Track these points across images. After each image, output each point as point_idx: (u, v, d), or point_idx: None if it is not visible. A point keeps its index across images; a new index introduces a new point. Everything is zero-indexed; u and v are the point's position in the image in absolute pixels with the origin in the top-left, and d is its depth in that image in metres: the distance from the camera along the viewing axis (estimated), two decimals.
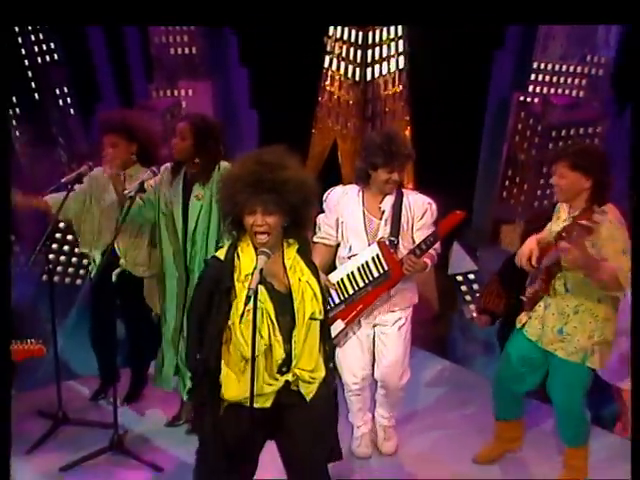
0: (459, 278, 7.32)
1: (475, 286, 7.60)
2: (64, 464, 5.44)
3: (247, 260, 3.80)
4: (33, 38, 8.89)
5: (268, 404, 3.88)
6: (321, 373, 4.00)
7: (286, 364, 3.88)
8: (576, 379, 5.09)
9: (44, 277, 6.95)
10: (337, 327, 5.16)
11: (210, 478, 4.13)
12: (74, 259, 6.78)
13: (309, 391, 3.96)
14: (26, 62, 8.92)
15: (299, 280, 3.86)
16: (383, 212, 5.15)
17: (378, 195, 5.16)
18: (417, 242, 5.13)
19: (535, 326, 5.09)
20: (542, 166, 8.46)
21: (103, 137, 5.92)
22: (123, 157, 5.80)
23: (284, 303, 3.84)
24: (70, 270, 6.92)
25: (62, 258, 7.30)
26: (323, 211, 5.32)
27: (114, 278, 5.72)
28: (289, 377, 3.88)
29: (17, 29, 8.83)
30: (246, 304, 3.71)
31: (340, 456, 4.28)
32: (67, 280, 7.29)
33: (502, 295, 6.30)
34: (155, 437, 5.80)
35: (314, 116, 9.49)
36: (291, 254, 3.91)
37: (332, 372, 4.14)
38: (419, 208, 5.18)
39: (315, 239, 5.36)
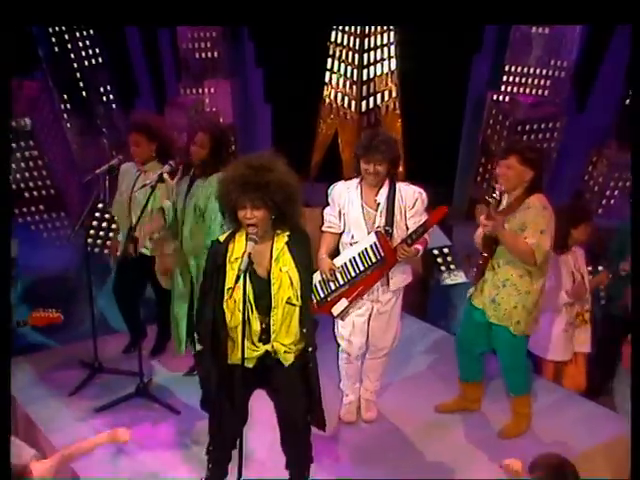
0: (435, 252, 7.33)
1: (449, 258, 7.65)
2: (99, 406, 5.57)
3: (239, 245, 3.96)
4: (81, 44, 8.89)
5: (251, 365, 4.06)
6: (299, 346, 4.11)
7: (265, 336, 4.04)
8: (510, 341, 5.16)
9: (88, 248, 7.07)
10: (342, 304, 5.20)
11: (217, 423, 4.30)
12: (111, 233, 6.89)
13: (287, 359, 4.11)
14: (75, 65, 8.90)
15: (280, 270, 3.96)
16: (378, 204, 5.10)
17: (374, 188, 5.11)
18: (410, 229, 5.09)
19: (478, 296, 5.16)
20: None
21: (128, 136, 5.99)
22: (145, 154, 5.86)
23: (263, 287, 3.97)
24: (108, 242, 7.08)
25: (101, 233, 7.45)
26: (328, 204, 5.32)
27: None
28: (268, 347, 4.06)
29: (67, 37, 8.92)
30: (236, 282, 3.90)
31: (323, 426, 4.40)
32: (106, 250, 7.43)
33: None
34: (174, 385, 5.87)
35: (319, 110, 9.44)
36: (280, 245, 4.01)
37: (311, 348, 4.18)
38: (410, 198, 5.14)
39: (323, 228, 5.34)
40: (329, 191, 5.32)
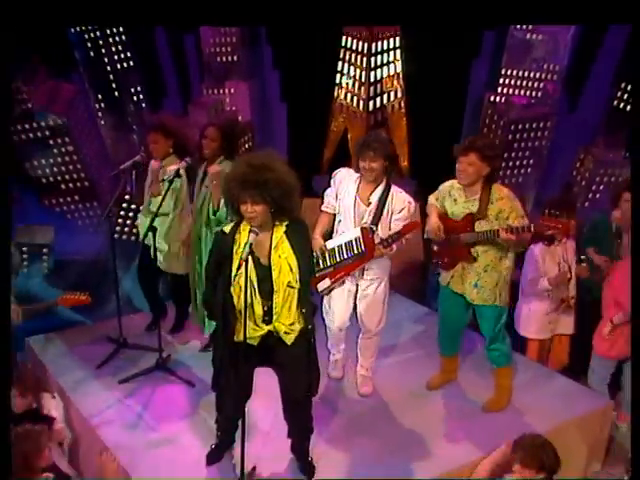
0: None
1: None
2: (122, 378, 5.61)
3: (244, 235, 4.03)
4: (114, 49, 8.94)
5: (255, 343, 4.15)
6: (299, 326, 4.19)
7: (267, 317, 4.12)
8: (494, 315, 5.19)
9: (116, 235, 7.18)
10: (325, 283, 5.28)
11: (226, 396, 4.43)
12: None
13: (288, 338, 4.19)
14: (108, 68, 8.98)
15: (279, 257, 4.04)
16: (370, 203, 5.15)
17: (371, 186, 5.14)
18: (391, 230, 5.14)
19: (458, 282, 5.18)
20: (502, 153, 8.44)
21: (147, 136, 6.05)
22: (163, 151, 5.91)
23: (265, 273, 4.04)
24: (134, 230, 7.17)
25: (128, 222, 7.54)
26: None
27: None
28: (270, 327, 4.14)
29: (102, 42, 8.99)
30: (238, 269, 3.99)
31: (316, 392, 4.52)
32: (132, 238, 7.53)
33: None
34: (190, 360, 5.91)
35: (330, 109, 9.44)
36: (278, 234, 4.08)
37: (310, 326, 4.26)
38: (400, 204, 5.17)
39: (322, 208, 5.40)
40: (333, 174, 5.36)
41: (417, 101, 9.39)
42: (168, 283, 6.47)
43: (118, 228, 6.81)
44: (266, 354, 4.31)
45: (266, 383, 4.50)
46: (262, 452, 4.75)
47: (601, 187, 8.28)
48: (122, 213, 7.57)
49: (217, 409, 4.59)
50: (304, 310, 4.18)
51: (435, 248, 5.29)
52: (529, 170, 8.61)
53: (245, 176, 3.92)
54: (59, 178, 8.38)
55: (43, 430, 4.39)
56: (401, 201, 5.18)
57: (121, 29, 9.02)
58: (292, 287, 4.10)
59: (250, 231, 3.98)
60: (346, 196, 5.22)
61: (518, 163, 8.56)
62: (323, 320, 5.60)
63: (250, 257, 3.92)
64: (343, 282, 5.33)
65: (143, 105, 9.18)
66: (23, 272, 7.41)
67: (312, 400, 4.51)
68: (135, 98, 9.14)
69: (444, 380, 5.69)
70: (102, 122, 9.08)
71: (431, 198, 5.30)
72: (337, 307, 5.40)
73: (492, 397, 5.44)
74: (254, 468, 4.56)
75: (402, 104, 9.47)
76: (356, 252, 5.16)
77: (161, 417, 5.21)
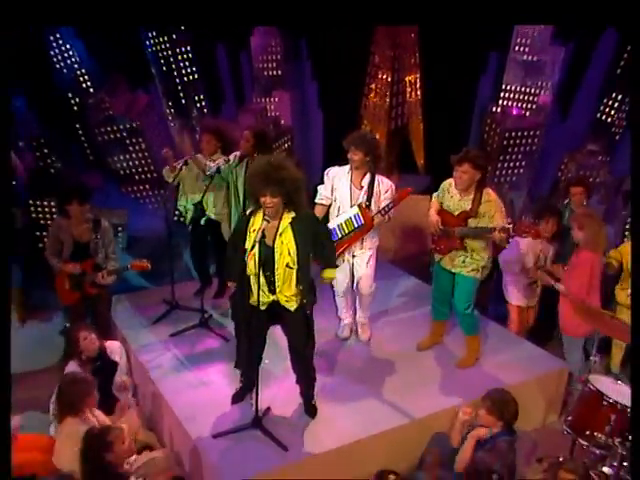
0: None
1: None
2: (172, 332, 5.88)
3: (257, 220, 4.30)
4: (182, 64, 8.99)
5: (264, 307, 4.40)
6: (297, 298, 4.39)
7: (272, 288, 4.35)
8: (469, 288, 5.35)
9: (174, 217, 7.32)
10: None
11: (242, 346, 4.70)
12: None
13: (290, 306, 4.42)
14: (177, 80, 9.09)
15: (282, 243, 4.26)
16: (362, 186, 5.38)
17: (360, 175, 5.38)
18: (382, 206, 5.39)
19: (447, 261, 5.34)
20: (498, 156, 8.41)
21: (201, 136, 6.32)
22: (211, 148, 6.13)
23: (269, 253, 4.27)
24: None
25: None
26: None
27: (203, 222, 6.09)
28: (274, 297, 4.39)
29: (172, 59, 9.14)
30: (253, 247, 4.24)
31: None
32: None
33: None
34: (227, 320, 5.85)
35: (359, 116, 9.46)
36: (285, 223, 4.30)
37: (305, 300, 4.43)
38: (385, 186, 5.44)
39: (315, 200, 5.59)
40: (325, 172, 5.57)
41: (432, 110, 9.40)
42: (213, 259, 6.61)
43: (177, 212, 6.94)
44: (274, 316, 4.53)
45: (283, 339, 4.71)
46: (276, 396, 4.96)
47: (590, 183, 8.26)
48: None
49: (237, 358, 4.83)
50: (301, 287, 4.35)
51: (434, 237, 5.43)
52: (521, 171, 8.55)
53: (266, 173, 4.15)
54: (134, 170, 8.57)
55: (89, 378, 4.70)
56: (386, 184, 5.45)
57: (188, 48, 9.13)
58: (290, 268, 4.29)
59: (264, 219, 4.28)
60: (341, 186, 5.43)
61: (512, 165, 8.50)
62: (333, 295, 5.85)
63: (258, 242, 4.18)
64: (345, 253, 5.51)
65: (205, 111, 9.19)
66: None
67: (313, 354, 4.70)
68: (198, 105, 9.15)
69: (432, 342, 5.83)
70: (172, 125, 9.19)
71: (433, 196, 5.44)
72: (340, 276, 5.55)
73: (463, 356, 5.61)
74: (268, 408, 4.81)
75: (419, 113, 9.45)
76: (356, 225, 5.36)
77: (200, 364, 5.43)
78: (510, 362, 5.62)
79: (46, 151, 8.49)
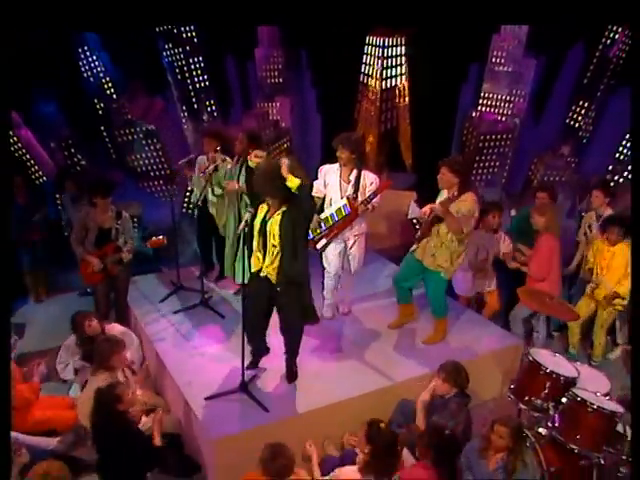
0: (414, 221, 7.58)
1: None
2: (176, 309, 6.07)
3: (261, 211, 4.63)
4: (194, 73, 9.24)
5: (263, 275, 4.68)
6: (279, 277, 4.60)
7: (264, 262, 4.64)
8: (440, 280, 5.50)
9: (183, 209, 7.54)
10: (322, 242, 5.75)
11: (248, 315, 4.80)
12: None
13: (274, 279, 4.64)
14: (190, 87, 9.31)
15: (272, 227, 4.54)
16: (350, 181, 5.59)
17: (347, 171, 5.59)
18: (365, 197, 5.59)
19: (420, 252, 5.47)
20: (475, 157, 8.60)
21: (202, 139, 6.46)
22: (211, 149, 6.21)
23: (264, 234, 4.59)
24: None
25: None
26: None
27: (196, 212, 6.29)
28: (265, 272, 4.67)
29: (186, 68, 9.40)
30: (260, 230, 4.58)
31: (317, 320, 4.96)
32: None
33: None
34: (225, 300, 6.27)
35: (353, 119, 9.65)
36: (278, 213, 4.53)
37: (287, 277, 4.61)
38: (370, 179, 5.62)
39: (312, 194, 5.67)
40: (319, 169, 5.81)
41: (420, 115, 9.58)
42: (215, 248, 6.71)
43: (185, 204, 7.19)
44: (270, 289, 4.72)
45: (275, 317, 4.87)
46: (263, 365, 5.19)
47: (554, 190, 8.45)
48: (188, 194, 7.92)
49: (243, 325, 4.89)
50: (287, 268, 4.58)
51: (417, 226, 5.65)
52: (496, 170, 8.75)
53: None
54: (149, 168, 8.83)
55: (119, 339, 5.03)
56: (371, 177, 5.65)
57: (200, 58, 9.38)
58: (274, 247, 4.55)
59: (247, 211, 4.59)
60: (332, 180, 5.66)
61: (487, 164, 8.69)
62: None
63: (260, 223, 4.56)
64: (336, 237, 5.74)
65: (215, 115, 9.44)
66: None
67: (300, 328, 4.89)
68: (209, 109, 9.36)
69: (401, 322, 5.98)
70: (185, 127, 9.46)
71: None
72: (332, 258, 5.82)
73: (430, 334, 5.78)
74: (255, 376, 5.04)
75: (407, 117, 9.61)
76: (344, 214, 5.59)
77: (198, 337, 5.66)
78: (472, 339, 5.80)
79: (73, 150, 8.81)
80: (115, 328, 5.69)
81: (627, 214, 6.17)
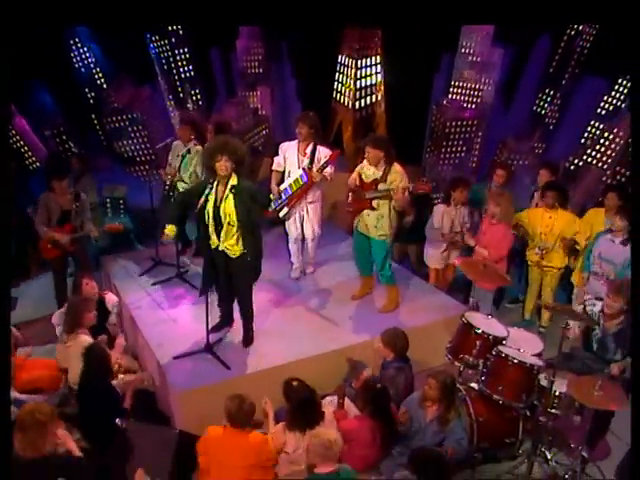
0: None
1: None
2: (153, 282, 6.55)
3: (212, 197, 5.01)
4: (180, 64, 9.60)
5: (221, 249, 5.10)
6: (239, 248, 5.04)
7: (220, 238, 5.04)
8: (384, 248, 5.95)
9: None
10: (284, 210, 6.32)
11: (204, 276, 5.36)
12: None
13: (231, 253, 5.07)
14: (176, 77, 9.67)
15: (225, 206, 4.94)
16: (306, 154, 6.19)
17: (304, 145, 6.21)
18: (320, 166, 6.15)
19: (362, 225, 5.92)
20: (442, 142, 9.07)
21: (179, 126, 6.95)
22: (187, 136, 6.73)
23: (218, 212, 4.98)
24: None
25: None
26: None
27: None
28: (222, 247, 5.09)
29: (172, 59, 9.83)
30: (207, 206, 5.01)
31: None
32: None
33: None
34: (200, 274, 6.09)
35: (331, 108, 9.92)
36: (227, 191, 4.93)
37: (245, 250, 5.05)
38: (324, 153, 6.22)
39: (272, 168, 6.46)
40: (280, 146, 6.43)
41: (394, 104, 9.88)
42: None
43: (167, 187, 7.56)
44: (226, 260, 5.16)
45: None
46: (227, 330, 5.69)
47: (512, 169, 8.92)
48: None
49: (202, 286, 5.43)
50: (241, 240, 5.02)
51: (350, 199, 6.01)
52: (462, 155, 9.18)
53: (222, 144, 4.97)
54: (136, 154, 9.32)
55: (90, 299, 5.54)
56: (325, 151, 6.24)
57: (186, 49, 9.84)
58: (231, 225, 4.96)
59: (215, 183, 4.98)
60: (291, 155, 6.26)
61: (454, 149, 9.11)
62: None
63: (213, 199, 4.94)
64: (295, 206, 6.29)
65: (200, 103, 9.86)
66: (108, 216, 8.48)
67: (251, 295, 5.36)
68: (194, 98, 9.81)
69: (363, 293, 6.42)
70: (172, 115, 9.91)
71: (357, 168, 6.02)
72: (292, 225, 6.43)
73: (385, 303, 6.23)
74: (220, 339, 5.55)
75: (382, 105, 9.93)
76: (302, 183, 6.16)
77: (171, 306, 6.16)
78: (424, 308, 6.26)
79: (65, 138, 9.32)
80: (112, 298, 6.15)
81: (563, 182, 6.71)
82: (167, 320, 5.94)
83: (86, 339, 5.17)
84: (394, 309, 6.21)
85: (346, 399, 4.95)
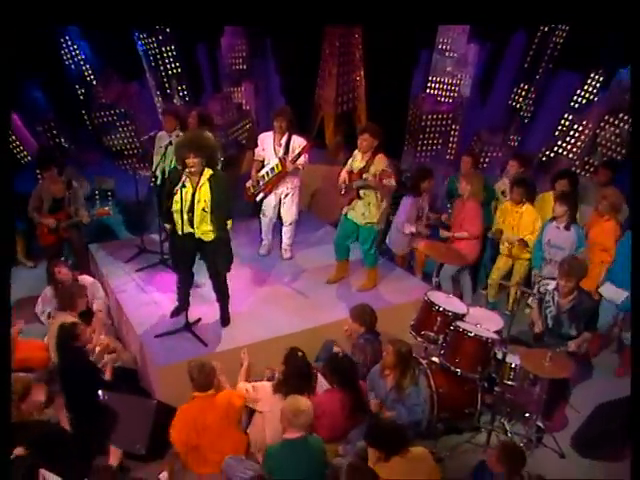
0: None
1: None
2: (138, 268, 6.82)
3: (189, 184, 5.22)
4: (167, 60, 9.86)
5: (192, 236, 5.31)
6: (212, 234, 5.23)
7: (192, 224, 5.25)
8: (371, 233, 6.28)
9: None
10: (261, 195, 6.75)
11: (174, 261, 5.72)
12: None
13: (205, 238, 5.28)
14: (163, 73, 9.97)
15: (200, 193, 5.15)
16: (281, 144, 6.60)
17: (280, 136, 6.60)
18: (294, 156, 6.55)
19: (352, 213, 6.22)
20: (419, 135, 9.39)
21: (164, 116, 7.16)
22: (171, 126, 6.92)
23: (192, 201, 5.19)
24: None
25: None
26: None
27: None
28: (193, 230, 5.28)
29: (159, 55, 10.14)
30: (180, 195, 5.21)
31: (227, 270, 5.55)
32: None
33: None
34: None
35: (313, 102, 10.20)
36: (204, 180, 5.15)
37: (217, 236, 5.24)
38: (298, 142, 6.63)
39: (254, 158, 6.83)
40: (259, 137, 6.81)
41: (375, 98, 10.17)
42: None
43: (153, 179, 7.82)
44: (197, 245, 5.42)
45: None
46: (205, 311, 5.97)
47: (486, 160, 9.30)
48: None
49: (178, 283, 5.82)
50: (214, 225, 5.22)
51: (342, 192, 6.30)
52: (439, 147, 9.51)
53: (190, 141, 5.21)
54: (124, 147, 9.60)
55: (82, 285, 5.88)
56: (299, 140, 6.64)
57: (173, 46, 10.13)
58: (205, 212, 5.17)
59: (187, 174, 5.18)
60: (268, 145, 6.66)
61: (430, 142, 9.46)
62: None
63: (186, 187, 5.15)
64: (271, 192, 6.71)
65: (187, 99, 10.15)
66: (97, 206, 8.73)
67: (226, 277, 5.61)
68: (181, 94, 10.10)
69: (338, 277, 6.69)
70: (160, 110, 10.10)
71: (346, 167, 6.31)
72: (268, 207, 6.84)
73: (364, 282, 6.56)
74: (199, 319, 5.85)
75: (364, 99, 10.25)
76: (277, 172, 6.60)
77: (154, 289, 6.45)
78: (396, 289, 6.60)
79: (55, 132, 9.64)
80: (86, 279, 6.47)
81: (531, 177, 7.04)
82: (150, 302, 6.24)
83: (66, 318, 5.45)
84: (371, 288, 6.54)
85: (318, 375, 5.24)
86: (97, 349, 5.68)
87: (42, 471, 3.66)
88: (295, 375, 4.82)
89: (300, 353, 4.98)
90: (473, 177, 6.90)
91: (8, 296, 4.10)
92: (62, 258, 7.05)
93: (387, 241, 7.35)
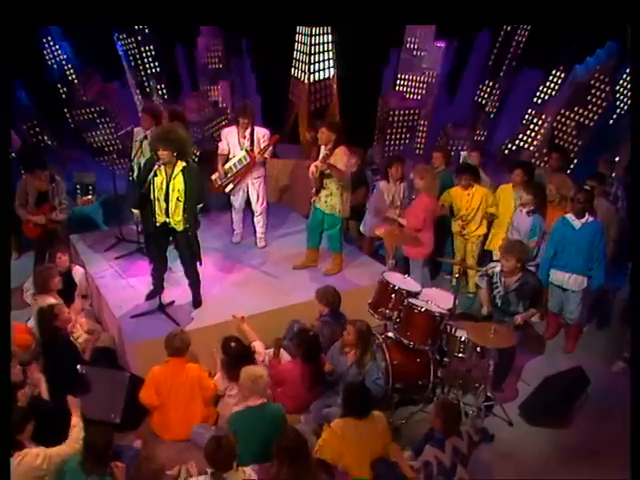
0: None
1: None
2: (117, 256, 7.09)
3: (161, 175, 5.49)
4: (146, 60, 10.28)
5: (160, 225, 5.59)
6: (184, 223, 5.50)
7: (166, 213, 5.53)
8: (336, 222, 6.57)
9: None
10: (230, 186, 7.05)
11: (148, 250, 5.98)
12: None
13: (177, 227, 5.55)
14: (143, 72, 10.38)
15: (174, 183, 5.43)
16: (245, 136, 6.90)
17: (243, 129, 6.90)
18: (260, 148, 6.89)
19: (320, 203, 6.52)
20: (386, 130, 9.79)
21: (141, 114, 7.39)
22: (148, 124, 7.11)
23: (167, 190, 5.46)
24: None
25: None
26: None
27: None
28: (167, 219, 5.55)
29: (138, 55, 10.51)
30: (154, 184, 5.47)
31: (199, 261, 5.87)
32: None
33: None
34: None
35: (288, 100, 10.68)
36: (177, 171, 5.42)
37: (189, 225, 5.52)
38: (261, 133, 6.97)
39: (218, 152, 7.08)
40: (222, 131, 7.12)
41: (347, 95, 10.67)
42: None
43: (131, 173, 8.14)
44: (170, 234, 5.72)
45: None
46: (179, 294, 6.29)
47: (452, 153, 9.70)
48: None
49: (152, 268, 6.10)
50: (186, 215, 5.48)
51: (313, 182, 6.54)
52: (406, 141, 9.95)
53: (162, 135, 5.49)
54: (104, 144, 9.95)
55: (53, 267, 6.19)
56: (262, 131, 6.99)
57: (152, 47, 10.53)
58: (179, 201, 5.43)
59: (160, 165, 5.45)
60: (232, 139, 6.98)
61: (397, 137, 9.90)
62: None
63: (158, 176, 5.39)
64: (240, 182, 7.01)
65: (165, 97, 10.57)
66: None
67: (196, 264, 5.89)
68: (160, 92, 10.51)
69: (305, 265, 6.92)
70: (139, 107, 10.58)
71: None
72: (237, 198, 7.17)
73: (330, 267, 6.88)
74: (173, 301, 6.16)
75: (336, 96, 10.67)
76: (244, 163, 6.93)
77: (130, 275, 6.75)
78: (361, 273, 6.93)
79: (38, 130, 10.00)
80: (79, 271, 6.79)
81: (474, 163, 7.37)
82: (126, 287, 6.58)
83: (46, 300, 5.78)
84: (337, 272, 6.86)
85: (281, 350, 5.64)
86: (80, 331, 6.00)
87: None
88: (233, 362, 5.14)
89: (234, 343, 5.27)
90: (426, 172, 7.01)
91: (8, 286, 4.25)
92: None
93: (361, 226, 7.65)
